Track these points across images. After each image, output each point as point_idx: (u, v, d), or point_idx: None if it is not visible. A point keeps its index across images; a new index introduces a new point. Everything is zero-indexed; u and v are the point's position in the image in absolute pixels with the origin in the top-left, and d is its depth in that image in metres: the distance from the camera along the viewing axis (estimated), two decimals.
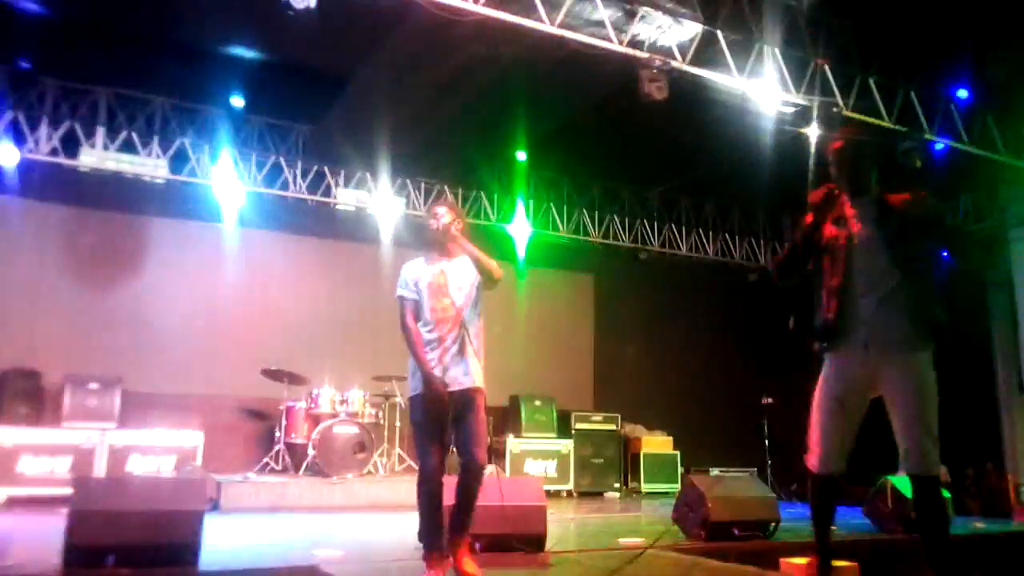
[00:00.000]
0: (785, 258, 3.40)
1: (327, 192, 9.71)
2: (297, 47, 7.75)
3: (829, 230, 3.26)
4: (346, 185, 9.85)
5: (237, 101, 8.95)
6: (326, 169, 9.71)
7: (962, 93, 7.97)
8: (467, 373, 3.79)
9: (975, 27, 7.00)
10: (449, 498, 3.73)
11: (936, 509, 3.12)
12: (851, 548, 5.16)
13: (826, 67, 7.29)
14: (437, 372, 3.72)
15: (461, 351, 3.81)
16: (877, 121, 7.49)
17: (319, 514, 6.86)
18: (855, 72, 7.52)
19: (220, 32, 7.69)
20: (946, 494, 6.50)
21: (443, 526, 3.69)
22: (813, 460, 3.21)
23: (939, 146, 8.02)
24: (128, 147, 8.64)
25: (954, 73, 7.90)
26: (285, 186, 9.45)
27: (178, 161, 8.88)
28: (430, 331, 3.80)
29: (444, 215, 3.93)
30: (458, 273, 3.93)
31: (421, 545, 3.71)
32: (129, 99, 8.70)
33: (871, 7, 7.00)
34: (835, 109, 7.13)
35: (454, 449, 3.87)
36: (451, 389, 3.72)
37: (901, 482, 6.27)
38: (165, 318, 8.74)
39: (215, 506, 6.84)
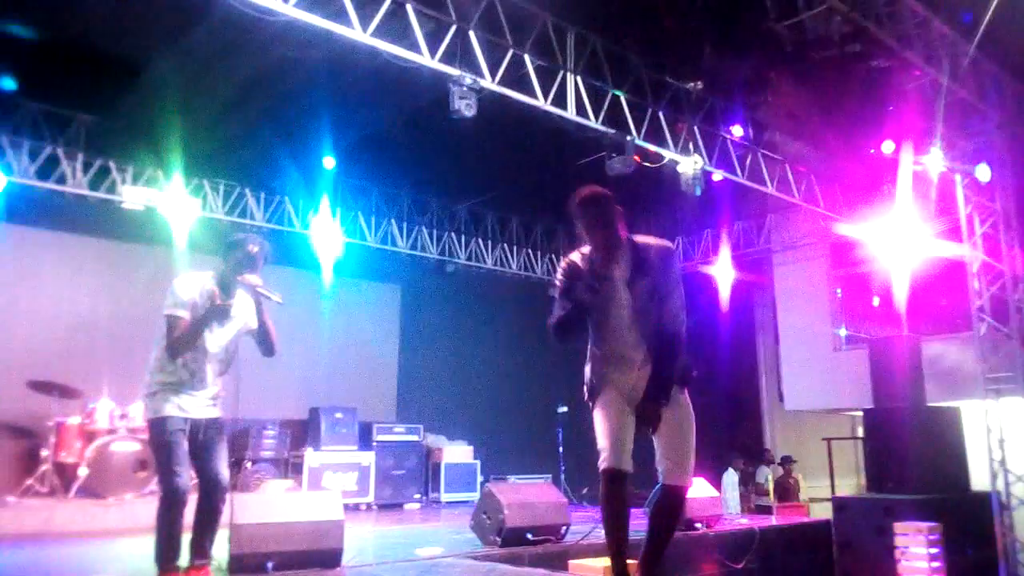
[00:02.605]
0: (563, 326, 3.36)
1: (112, 189, 8.95)
2: (83, 29, 7.11)
3: (591, 289, 3.25)
4: (134, 182, 9.13)
5: (7, 83, 8.02)
6: (111, 164, 8.95)
7: (736, 131, 8.85)
8: (216, 403, 3.86)
9: (745, 73, 7.82)
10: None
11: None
12: (631, 546, 5.52)
13: (622, 98, 7.82)
14: (182, 396, 3.71)
15: (219, 380, 3.87)
16: (663, 151, 8.14)
17: (93, 540, 6.30)
18: (646, 104, 8.12)
19: None
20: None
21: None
22: (602, 457, 3.24)
23: (717, 177, 8.85)
24: None
25: (730, 112, 8.76)
26: (63, 180, 8.60)
27: None
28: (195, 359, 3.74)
29: (265, 258, 3.86)
30: (240, 309, 3.88)
31: (160, 567, 3.61)
32: None
33: (661, 46, 7.61)
34: (628, 138, 7.66)
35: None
36: (199, 417, 3.74)
37: None
38: None
39: None
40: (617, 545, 3.29)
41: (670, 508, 3.39)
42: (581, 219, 3.34)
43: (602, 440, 3.27)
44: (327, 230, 10.13)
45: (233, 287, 3.83)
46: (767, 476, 11.37)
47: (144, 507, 7.16)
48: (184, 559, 3.69)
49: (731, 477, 10.83)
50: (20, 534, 6.38)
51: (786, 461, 11.67)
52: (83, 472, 7.20)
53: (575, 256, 3.40)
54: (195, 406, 3.73)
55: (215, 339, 3.81)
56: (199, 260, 8.43)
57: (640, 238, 3.39)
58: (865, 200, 10.18)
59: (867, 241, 10.18)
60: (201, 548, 3.72)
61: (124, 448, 7.39)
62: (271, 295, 3.84)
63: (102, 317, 8.81)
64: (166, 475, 3.61)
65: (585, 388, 3.44)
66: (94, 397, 7.68)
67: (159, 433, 3.64)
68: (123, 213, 9.07)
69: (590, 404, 3.40)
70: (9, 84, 8.02)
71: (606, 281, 3.26)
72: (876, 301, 11.63)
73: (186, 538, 3.71)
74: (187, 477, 3.62)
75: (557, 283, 3.41)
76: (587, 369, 3.44)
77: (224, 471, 3.78)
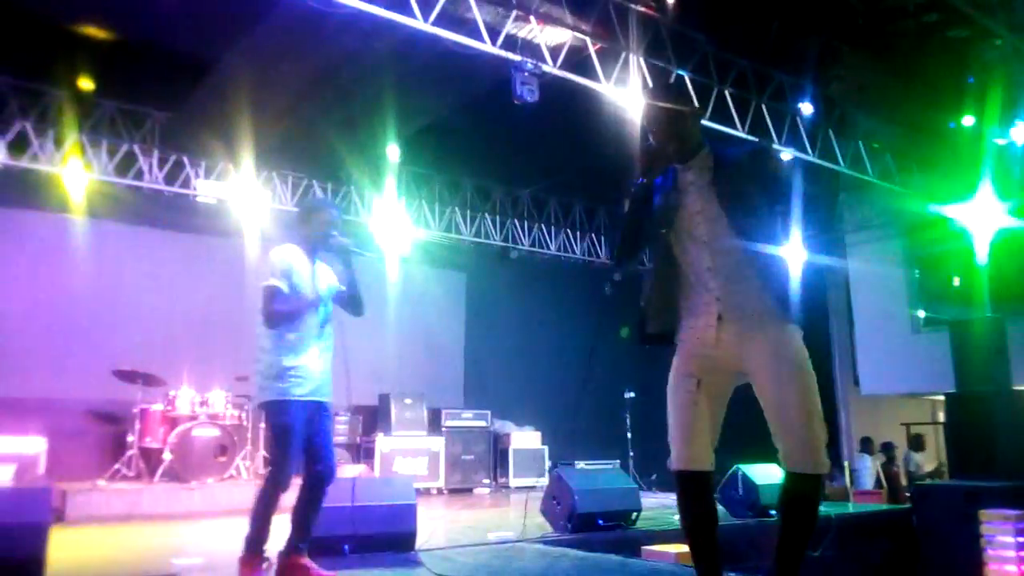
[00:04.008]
0: (623, 240, 2.83)
1: (186, 183, 9.24)
2: (155, 29, 7.33)
3: (660, 203, 2.75)
4: (207, 176, 9.40)
5: (86, 83, 8.35)
6: (185, 159, 9.23)
7: (806, 108, 8.58)
8: (327, 385, 3.74)
9: (815, 47, 7.57)
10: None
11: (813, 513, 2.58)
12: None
13: (686, 78, 7.67)
14: (301, 382, 3.60)
15: (324, 359, 3.74)
16: (731, 130, 7.96)
17: (177, 522, 6.56)
18: (712, 83, 7.95)
19: (68, 7, 7.16)
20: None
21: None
22: (674, 458, 2.64)
23: (787, 156, 8.61)
24: None
25: (799, 89, 8.50)
26: (140, 176, 8.92)
27: (18, 146, 8.20)
28: (299, 332, 3.63)
29: (341, 228, 3.82)
30: (325, 278, 3.83)
31: (248, 550, 3.57)
32: None
33: (726, 23, 7.42)
34: None
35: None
36: (312, 400, 3.63)
37: (752, 470, 6.70)
38: (2, 315, 8.06)
39: (59, 517, 6.39)
40: (701, 558, 2.63)
41: (795, 504, 2.55)
42: (649, 113, 2.80)
43: (670, 430, 2.66)
44: (392, 219, 10.25)
45: (319, 250, 3.80)
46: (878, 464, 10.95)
47: (224, 491, 7.43)
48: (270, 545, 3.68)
49: (864, 462, 10.53)
50: (110, 515, 6.68)
51: (889, 448, 11.24)
52: (167, 457, 7.48)
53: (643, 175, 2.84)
54: (308, 389, 3.62)
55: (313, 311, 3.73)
56: (270, 250, 8.64)
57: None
58: (944, 176, 9.77)
59: (946, 219, 9.78)
60: (305, 531, 3.69)
61: (205, 434, 7.66)
62: (360, 250, 3.81)
63: (180, 308, 9.11)
64: (281, 460, 3.54)
65: (650, 339, 2.75)
66: (175, 385, 7.97)
67: (278, 416, 3.56)
68: (197, 206, 9.36)
69: (671, 345, 2.72)
70: (87, 84, 8.35)
71: (674, 187, 2.72)
72: (956, 281, 11.17)
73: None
74: (297, 464, 3.57)
75: (624, 207, 2.85)
76: (644, 305, 2.76)
77: (334, 460, 3.74)
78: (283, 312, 3.59)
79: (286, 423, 3.55)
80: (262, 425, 8.35)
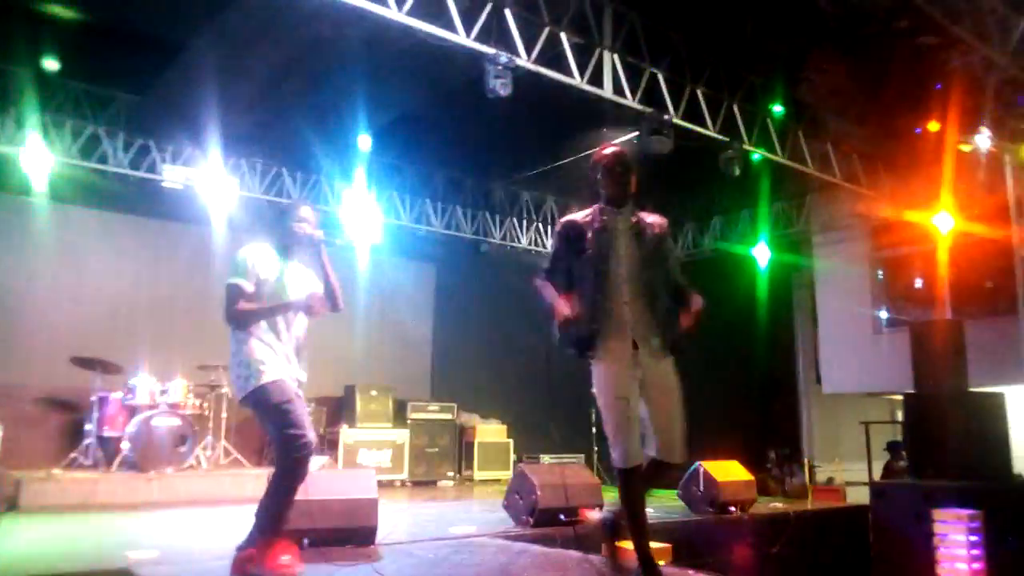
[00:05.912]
0: (554, 273, 3.57)
1: (152, 168, 9.06)
2: (122, 10, 7.17)
3: (592, 240, 3.43)
4: (174, 161, 9.23)
5: (50, 63, 8.14)
6: (151, 143, 9.05)
7: (776, 109, 8.66)
8: (304, 371, 3.77)
9: (787, 49, 7.64)
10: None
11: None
12: (665, 530, 5.52)
13: (660, 76, 7.69)
14: (284, 365, 3.62)
15: (300, 350, 3.76)
16: (702, 130, 8.00)
17: (134, 512, 6.45)
18: (685, 83, 7.98)
19: None
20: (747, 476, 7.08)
21: None
22: (617, 456, 3.36)
23: (756, 156, 8.69)
24: None
25: (770, 90, 8.57)
26: (104, 159, 8.73)
27: None
28: (272, 326, 3.65)
29: (317, 225, 3.83)
30: (299, 276, 3.83)
31: (266, 535, 3.48)
32: None
33: (701, 23, 7.45)
34: (665, 117, 7.54)
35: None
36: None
37: (713, 467, 6.77)
38: None
39: (13, 505, 6.26)
40: (637, 527, 3.40)
41: (656, 485, 3.55)
42: (606, 171, 3.48)
43: (610, 434, 3.35)
44: (362, 209, 10.16)
45: (291, 250, 3.80)
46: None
47: (183, 481, 7.34)
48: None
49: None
50: (65, 505, 6.56)
51: (896, 447, 11.32)
52: (125, 446, 7.37)
53: (574, 216, 3.56)
54: (290, 375, 3.64)
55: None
56: (238, 238, 8.53)
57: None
58: (909, 180, 9.92)
59: (910, 222, 9.94)
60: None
61: (165, 423, 7.55)
62: (327, 239, 3.81)
63: (143, 295, 8.97)
64: (297, 431, 3.43)
65: (571, 346, 3.41)
66: (135, 373, 7.85)
67: (278, 395, 3.49)
68: (163, 192, 9.19)
69: (588, 359, 3.40)
70: (51, 64, 8.15)
71: (608, 230, 3.42)
72: (919, 283, 11.37)
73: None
74: (313, 435, 3.52)
75: (553, 241, 3.62)
76: (563, 326, 3.40)
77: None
78: (245, 312, 3.57)
79: (288, 399, 3.51)
80: (224, 415, 8.27)
